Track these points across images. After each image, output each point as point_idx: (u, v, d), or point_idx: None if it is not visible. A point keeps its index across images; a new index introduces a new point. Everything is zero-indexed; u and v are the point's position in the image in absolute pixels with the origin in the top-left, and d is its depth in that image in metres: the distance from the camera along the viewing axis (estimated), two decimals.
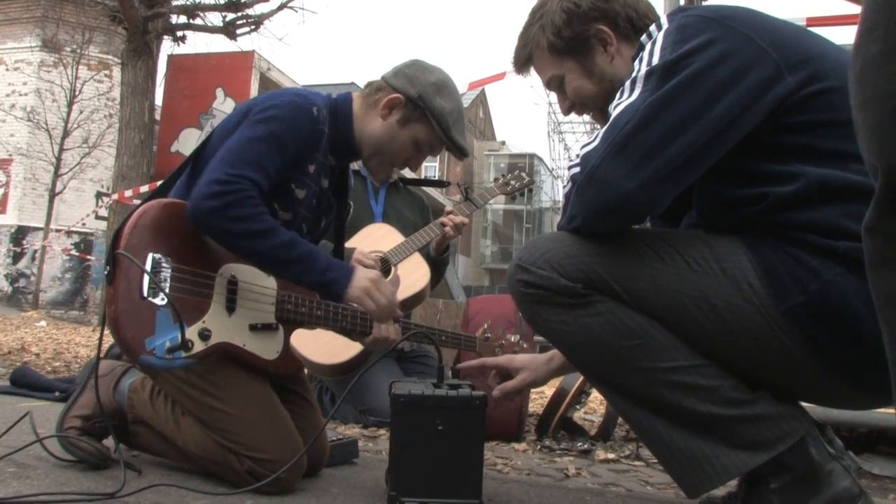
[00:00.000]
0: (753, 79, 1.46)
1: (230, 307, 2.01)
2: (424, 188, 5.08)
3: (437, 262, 3.65)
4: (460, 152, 2.25)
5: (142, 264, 1.87)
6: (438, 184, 4.28)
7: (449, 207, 3.56)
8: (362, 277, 2.00)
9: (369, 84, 2.26)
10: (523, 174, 3.79)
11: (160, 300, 1.88)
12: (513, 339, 2.62)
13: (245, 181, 1.92)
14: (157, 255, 1.90)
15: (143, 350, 1.85)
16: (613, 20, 1.76)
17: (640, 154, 1.44)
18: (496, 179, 3.80)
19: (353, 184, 3.82)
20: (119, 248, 1.85)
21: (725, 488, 1.80)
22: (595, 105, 1.82)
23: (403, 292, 3.38)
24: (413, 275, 3.44)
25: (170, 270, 1.92)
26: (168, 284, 1.91)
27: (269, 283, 2.09)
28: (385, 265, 3.44)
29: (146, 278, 1.87)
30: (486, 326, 2.63)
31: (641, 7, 1.79)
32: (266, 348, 2.06)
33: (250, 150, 1.97)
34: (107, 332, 1.90)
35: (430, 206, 4.17)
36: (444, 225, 3.47)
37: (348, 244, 3.50)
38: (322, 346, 3.19)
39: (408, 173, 4.52)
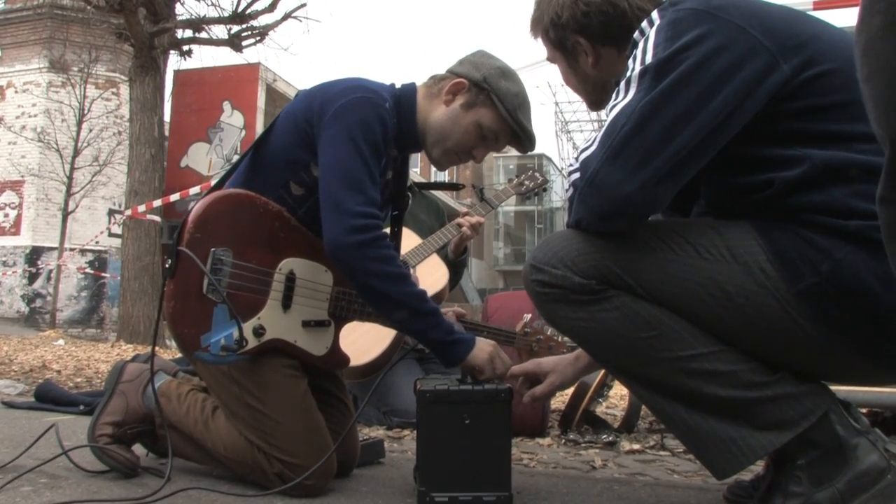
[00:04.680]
0: (748, 71, 1.45)
1: (286, 303, 2.02)
2: (437, 192, 5.07)
3: (456, 263, 3.66)
4: (527, 138, 2.14)
5: (203, 262, 1.88)
6: (452, 186, 4.23)
7: (463, 210, 3.55)
8: (486, 344, 1.95)
9: (433, 76, 2.18)
10: (537, 174, 3.77)
11: (218, 298, 1.89)
12: (549, 332, 2.60)
13: (375, 218, 1.90)
14: (219, 250, 1.91)
15: (198, 346, 1.88)
16: (590, 33, 1.77)
17: (639, 156, 1.45)
18: (510, 180, 3.77)
19: None
20: (182, 243, 1.88)
21: (752, 473, 1.81)
22: (579, 92, 1.91)
23: None
24: (432, 276, 3.45)
25: (230, 267, 1.93)
26: (226, 281, 1.92)
27: (327, 279, 2.09)
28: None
29: (206, 277, 1.89)
30: (525, 320, 2.61)
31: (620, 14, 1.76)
32: (316, 344, 2.08)
33: (361, 178, 1.92)
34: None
35: (445, 210, 4.18)
36: (460, 226, 3.48)
37: None
38: (345, 348, 3.21)
39: (420, 178, 4.53)
